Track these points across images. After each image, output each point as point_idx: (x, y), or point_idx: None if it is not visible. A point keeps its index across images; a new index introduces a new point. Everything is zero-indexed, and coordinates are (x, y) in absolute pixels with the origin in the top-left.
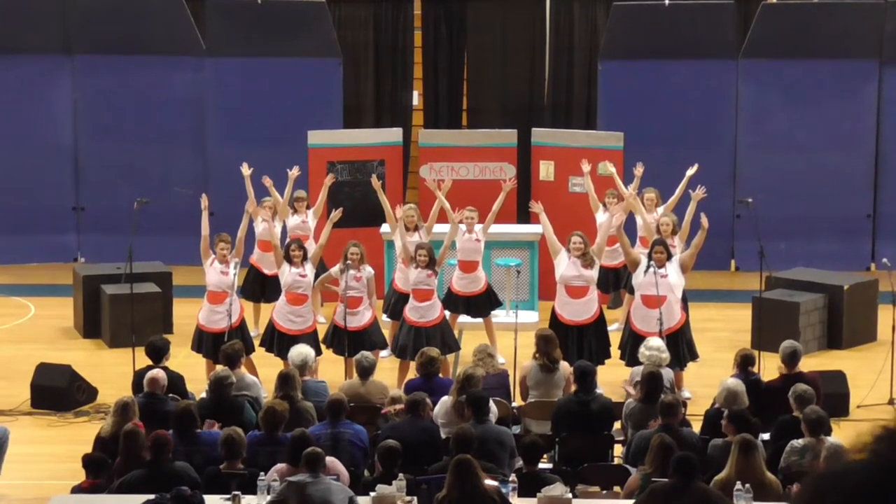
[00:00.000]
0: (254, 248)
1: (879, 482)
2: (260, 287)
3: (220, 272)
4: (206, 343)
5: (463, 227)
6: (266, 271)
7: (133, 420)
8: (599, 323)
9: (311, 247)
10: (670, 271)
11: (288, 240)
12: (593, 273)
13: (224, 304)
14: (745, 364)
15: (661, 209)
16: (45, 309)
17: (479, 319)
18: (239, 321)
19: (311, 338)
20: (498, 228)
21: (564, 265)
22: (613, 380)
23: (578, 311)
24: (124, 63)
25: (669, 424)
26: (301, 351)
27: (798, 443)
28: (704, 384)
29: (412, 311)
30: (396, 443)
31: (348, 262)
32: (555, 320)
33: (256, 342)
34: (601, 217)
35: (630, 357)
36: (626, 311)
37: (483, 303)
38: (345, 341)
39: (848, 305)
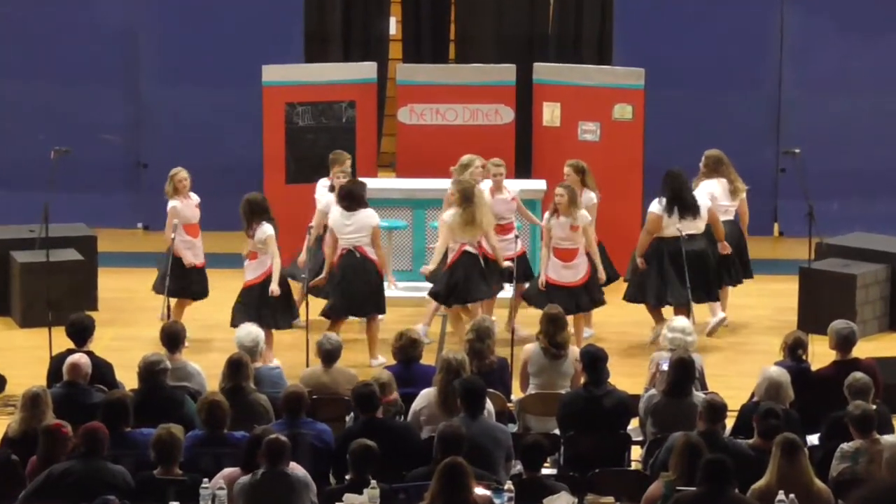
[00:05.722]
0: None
1: None
2: (184, 280)
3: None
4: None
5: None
6: (189, 262)
7: (45, 415)
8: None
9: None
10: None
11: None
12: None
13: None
14: (794, 349)
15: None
16: None
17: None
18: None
19: None
20: None
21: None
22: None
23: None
24: None
25: (713, 431)
26: (250, 331)
27: (848, 446)
28: (740, 373)
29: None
30: (372, 443)
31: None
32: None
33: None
34: None
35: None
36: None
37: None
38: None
39: None
